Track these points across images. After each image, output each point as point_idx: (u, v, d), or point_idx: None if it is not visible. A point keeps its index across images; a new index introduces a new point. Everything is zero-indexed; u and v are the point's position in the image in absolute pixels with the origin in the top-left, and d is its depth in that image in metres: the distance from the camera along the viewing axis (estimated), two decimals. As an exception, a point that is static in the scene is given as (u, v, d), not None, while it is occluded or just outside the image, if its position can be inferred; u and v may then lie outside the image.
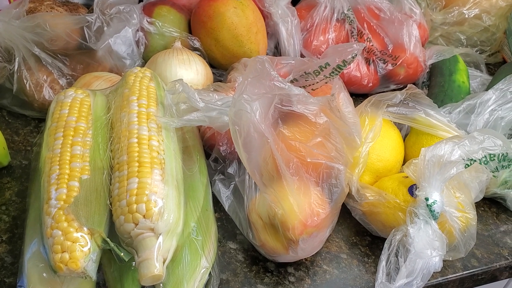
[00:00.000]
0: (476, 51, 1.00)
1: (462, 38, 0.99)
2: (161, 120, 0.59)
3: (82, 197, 0.52)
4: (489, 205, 0.73)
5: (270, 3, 0.88)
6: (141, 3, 0.88)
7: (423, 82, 0.91)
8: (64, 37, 0.78)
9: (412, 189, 0.62)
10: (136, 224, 0.50)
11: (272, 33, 0.92)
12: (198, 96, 0.58)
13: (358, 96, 0.92)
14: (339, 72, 0.68)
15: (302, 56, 0.91)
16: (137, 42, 0.84)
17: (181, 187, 0.56)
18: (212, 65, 0.89)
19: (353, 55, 0.66)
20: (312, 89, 0.71)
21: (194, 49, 0.86)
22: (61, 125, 0.59)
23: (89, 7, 0.94)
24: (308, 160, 0.57)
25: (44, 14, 0.81)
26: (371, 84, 0.88)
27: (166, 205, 0.51)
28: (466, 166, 0.58)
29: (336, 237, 0.67)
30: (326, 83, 0.70)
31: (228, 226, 0.67)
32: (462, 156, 0.57)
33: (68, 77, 0.80)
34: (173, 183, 0.54)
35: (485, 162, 0.58)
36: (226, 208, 0.65)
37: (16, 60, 0.78)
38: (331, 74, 0.68)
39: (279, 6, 0.88)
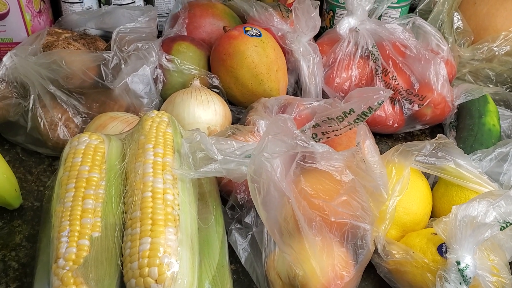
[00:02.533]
0: (506, 88, 0.95)
1: (492, 75, 0.95)
2: (177, 172, 0.56)
3: (92, 258, 0.50)
4: (523, 260, 0.68)
5: (292, 40, 0.85)
6: (160, 39, 0.86)
7: (450, 123, 0.87)
8: (80, 75, 0.76)
9: (441, 248, 0.58)
10: (148, 289, 0.47)
11: (293, 69, 0.90)
12: (215, 148, 0.55)
13: (383, 136, 0.89)
14: (364, 119, 0.64)
15: (323, 93, 0.88)
16: (155, 80, 0.82)
17: (196, 246, 0.53)
18: (231, 102, 0.87)
19: (380, 102, 0.63)
20: (336, 135, 0.67)
21: (213, 86, 0.83)
22: (73, 175, 0.57)
23: (107, 39, 0.92)
24: (332, 219, 0.54)
25: (61, 51, 0.79)
26: (396, 125, 0.85)
27: (180, 269, 0.48)
28: (502, 228, 0.54)
29: (359, 295, 0.63)
30: (350, 129, 0.66)
31: (244, 280, 0.64)
32: (497, 218, 0.53)
33: (83, 116, 0.78)
34: (187, 243, 0.51)
35: (523, 225, 0.54)
36: (243, 261, 0.63)
37: (31, 97, 0.77)
38: (356, 120, 0.65)
39: (301, 43, 0.85)
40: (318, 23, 0.85)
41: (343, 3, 0.97)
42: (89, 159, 0.59)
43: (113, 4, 0.98)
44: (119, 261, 0.51)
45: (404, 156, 0.65)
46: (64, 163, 0.60)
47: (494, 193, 0.57)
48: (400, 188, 0.62)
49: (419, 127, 0.88)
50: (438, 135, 0.66)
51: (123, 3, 0.98)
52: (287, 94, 0.91)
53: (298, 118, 0.72)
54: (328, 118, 0.66)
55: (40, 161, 0.80)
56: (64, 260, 0.49)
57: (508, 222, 0.54)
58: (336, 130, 0.66)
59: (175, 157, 0.59)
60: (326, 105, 0.69)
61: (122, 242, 0.52)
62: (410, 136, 0.90)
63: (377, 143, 0.86)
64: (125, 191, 0.56)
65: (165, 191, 0.54)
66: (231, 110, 0.84)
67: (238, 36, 0.81)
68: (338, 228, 0.54)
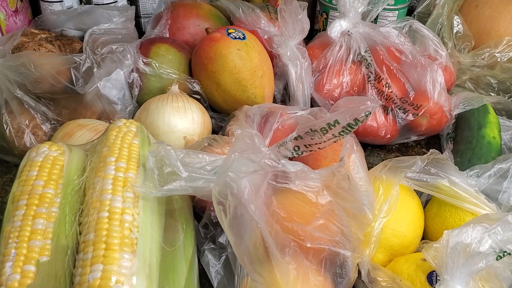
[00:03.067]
0: (509, 97, 0.89)
1: (493, 82, 0.89)
2: (139, 190, 0.51)
3: (38, 286, 0.45)
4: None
5: (279, 43, 0.80)
6: (138, 41, 0.80)
7: (447, 134, 0.81)
8: (49, 79, 0.70)
9: (431, 277, 0.53)
10: (97, 324, 0.42)
11: (281, 74, 0.84)
12: (180, 164, 0.50)
13: (374, 147, 0.83)
14: (350, 131, 0.59)
15: (313, 100, 0.83)
16: (131, 84, 0.77)
17: (155, 273, 0.48)
18: (213, 109, 0.81)
19: (367, 113, 0.58)
20: (319, 148, 0.62)
21: (194, 92, 0.78)
22: (26, 191, 0.52)
23: (86, 40, 0.87)
24: (308, 245, 0.48)
25: (30, 53, 0.74)
26: (389, 136, 0.79)
27: (133, 301, 0.43)
28: (498, 258, 0.48)
29: (341, 324, 0.58)
30: (335, 142, 0.61)
31: (217, 305, 0.58)
32: (493, 247, 0.48)
33: (52, 122, 0.73)
34: (144, 270, 0.46)
35: (522, 255, 0.48)
36: (215, 286, 0.57)
37: (-3, 102, 0.72)
38: (341, 133, 0.59)
39: (289, 47, 0.80)
40: (306, 25, 0.80)
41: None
42: (46, 172, 0.54)
43: (94, 4, 0.93)
44: (69, 290, 0.46)
45: (392, 173, 0.59)
46: (19, 177, 0.55)
47: (490, 217, 0.52)
48: (388, 208, 0.56)
49: (414, 138, 0.82)
50: (431, 150, 0.60)
51: (104, 2, 0.93)
52: (274, 101, 0.85)
53: (280, 129, 0.67)
54: (311, 129, 0.60)
55: (8, 170, 0.75)
56: (6, 289, 0.44)
57: (505, 252, 0.48)
58: (320, 143, 0.61)
59: (139, 172, 0.54)
60: (309, 116, 0.63)
61: (74, 268, 0.47)
62: (404, 148, 0.84)
63: (368, 155, 0.81)
64: (81, 210, 0.51)
65: (123, 211, 0.49)
66: (213, 117, 0.79)
67: (220, 39, 0.76)
68: (315, 255, 0.48)
